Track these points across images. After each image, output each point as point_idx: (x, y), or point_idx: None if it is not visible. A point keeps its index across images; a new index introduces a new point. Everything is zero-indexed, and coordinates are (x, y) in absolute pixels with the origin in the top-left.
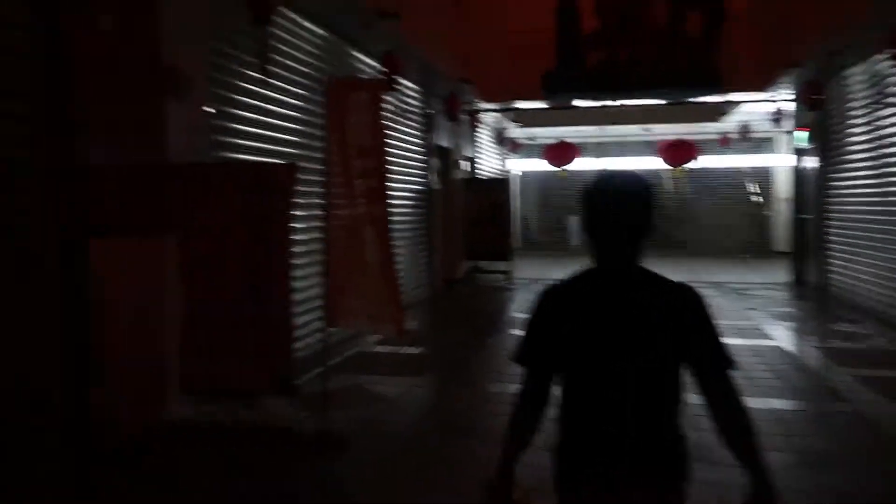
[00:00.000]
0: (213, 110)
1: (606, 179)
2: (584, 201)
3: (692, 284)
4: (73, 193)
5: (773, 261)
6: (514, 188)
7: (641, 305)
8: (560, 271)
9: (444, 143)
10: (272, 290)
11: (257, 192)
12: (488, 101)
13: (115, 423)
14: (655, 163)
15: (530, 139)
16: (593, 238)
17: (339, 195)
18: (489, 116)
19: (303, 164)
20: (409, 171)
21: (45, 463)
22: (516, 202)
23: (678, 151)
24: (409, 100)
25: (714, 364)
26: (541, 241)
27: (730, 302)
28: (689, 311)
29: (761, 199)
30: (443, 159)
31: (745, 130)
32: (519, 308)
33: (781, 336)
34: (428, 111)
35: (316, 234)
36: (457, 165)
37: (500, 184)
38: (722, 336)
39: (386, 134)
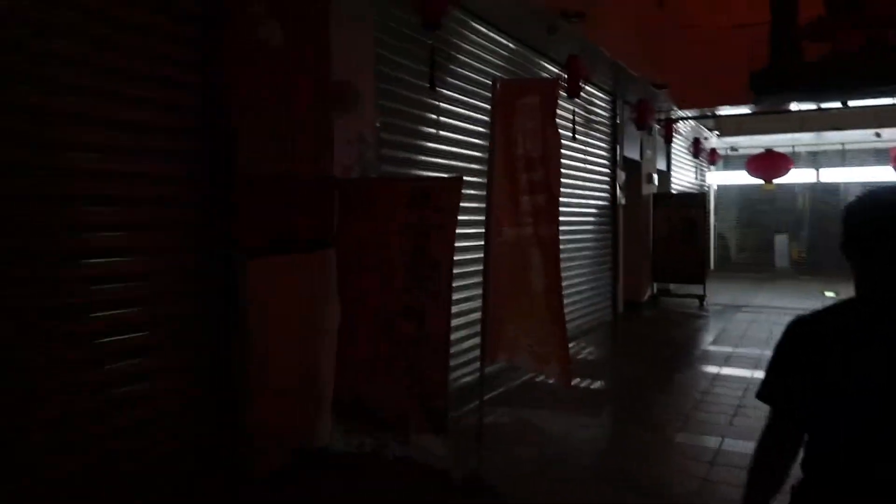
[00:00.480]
0: (379, 124)
1: (873, 197)
2: (845, 222)
3: None
4: (238, 207)
5: None
6: (710, 203)
7: None
8: (762, 296)
9: (634, 154)
10: (431, 314)
11: (420, 207)
12: (685, 107)
13: (263, 448)
14: (888, 174)
15: (731, 149)
16: (857, 262)
17: (503, 213)
18: (685, 125)
19: (471, 178)
20: (594, 185)
21: (190, 485)
22: (711, 219)
23: None
24: (596, 108)
25: None
26: (740, 261)
27: None
28: None
29: None
30: (632, 172)
31: None
32: (712, 338)
33: None
34: (616, 120)
35: (478, 255)
36: (647, 179)
37: (694, 199)
38: None
39: (558, 144)
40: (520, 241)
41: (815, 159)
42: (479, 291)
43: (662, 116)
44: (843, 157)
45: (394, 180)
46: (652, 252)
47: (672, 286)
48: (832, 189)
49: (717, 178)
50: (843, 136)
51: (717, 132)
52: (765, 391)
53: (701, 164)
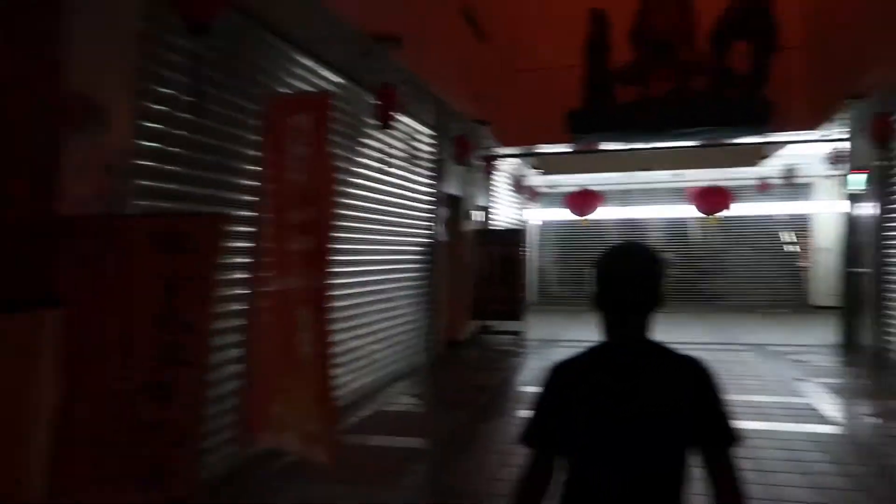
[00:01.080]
0: (131, 147)
1: (614, 253)
2: (595, 275)
3: (728, 346)
4: None
5: (812, 317)
6: (533, 239)
7: (649, 382)
8: (578, 330)
9: (455, 190)
10: (182, 391)
11: (168, 252)
12: (506, 144)
13: None
14: (685, 210)
15: (551, 187)
16: (602, 312)
17: (269, 259)
18: (507, 163)
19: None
20: (413, 221)
21: None
22: (534, 254)
23: (712, 198)
24: (417, 143)
25: (719, 440)
26: (560, 295)
27: (773, 369)
28: (696, 387)
29: (797, 249)
30: (453, 208)
31: (789, 174)
32: (525, 379)
33: (842, 418)
34: (438, 156)
35: (238, 312)
36: (468, 215)
37: (514, 235)
38: (728, 411)
39: (330, 174)
40: (287, 295)
41: (625, 197)
42: (239, 361)
43: (484, 153)
44: (648, 195)
45: (134, 217)
46: (473, 290)
47: (494, 323)
48: (637, 224)
49: (542, 215)
50: (649, 175)
51: (540, 170)
52: (527, 435)
53: (523, 201)
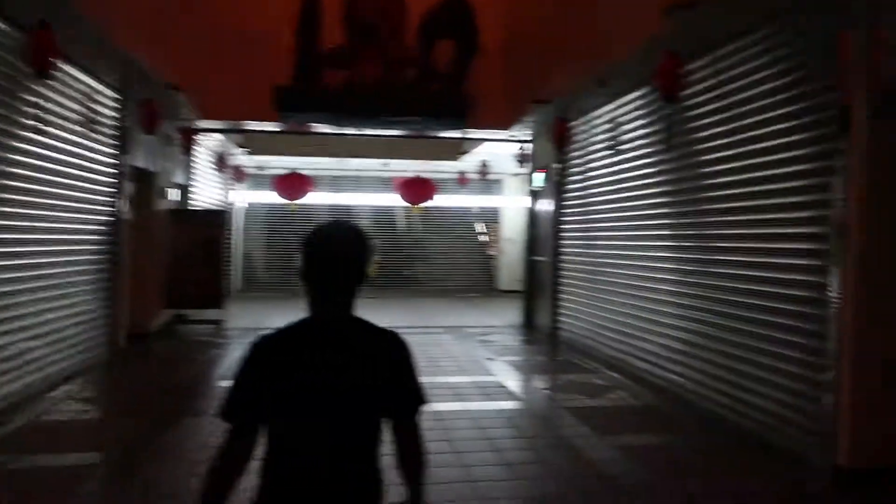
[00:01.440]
0: None
1: (322, 232)
2: (302, 252)
3: (427, 329)
4: None
5: (499, 300)
6: (238, 222)
7: (349, 355)
8: (283, 317)
9: (145, 164)
10: None
11: None
12: (207, 117)
13: None
14: (392, 199)
15: (259, 168)
16: (309, 288)
17: None
18: (209, 138)
19: None
20: (91, 196)
21: None
22: (239, 238)
23: (417, 189)
24: (97, 105)
25: (409, 406)
26: (267, 281)
27: (466, 350)
28: (394, 359)
29: (487, 239)
30: (143, 184)
31: (484, 170)
32: (224, 373)
33: (525, 394)
34: (125, 123)
35: None
36: (163, 193)
37: (216, 216)
38: (420, 381)
39: None
40: None
41: (336, 183)
42: None
43: (182, 124)
44: (358, 182)
45: None
46: (168, 274)
47: (191, 312)
48: (349, 211)
49: (246, 197)
50: (359, 163)
51: (247, 150)
52: (227, 410)
53: (227, 181)
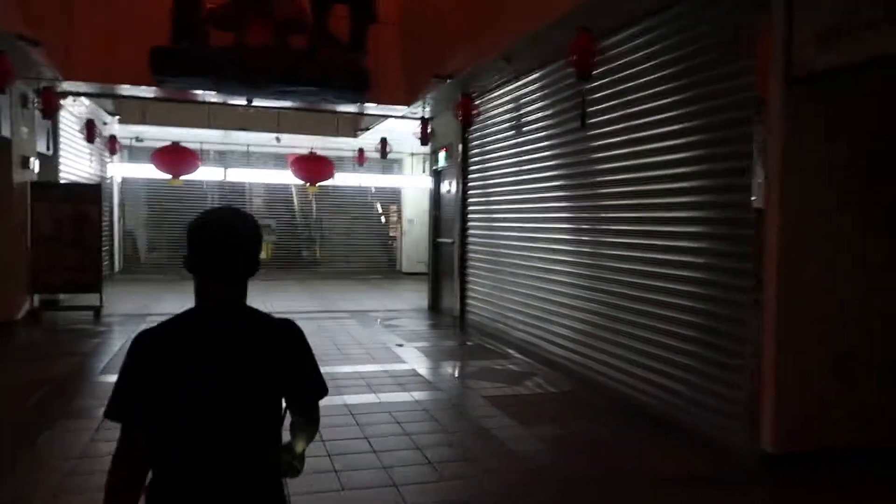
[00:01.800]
0: None
1: (209, 217)
2: (188, 239)
3: (330, 314)
4: None
5: (401, 282)
6: (115, 198)
7: (241, 346)
8: (170, 300)
9: (2, 131)
10: None
11: None
12: (69, 77)
13: None
14: (287, 177)
15: (136, 139)
16: (196, 277)
17: None
18: (79, 105)
19: None
20: None
21: None
22: (114, 216)
23: (313, 167)
24: None
25: (309, 395)
26: (150, 262)
27: (374, 335)
28: (290, 348)
29: (388, 220)
30: None
31: (383, 148)
32: (104, 364)
33: (439, 381)
34: None
35: None
36: (23, 163)
37: (88, 191)
38: (317, 368)
39: None
40: None
41: (224, 159)
42: None
43: (43, 86)
44: (249, 158)
45: None
46: (32, 255)
47: (62, 297)
48: (238, 188)
49: (122, 170)
50: (248, 137)
51: (118, 117)
52: (115, 409)
53: (101, 153)
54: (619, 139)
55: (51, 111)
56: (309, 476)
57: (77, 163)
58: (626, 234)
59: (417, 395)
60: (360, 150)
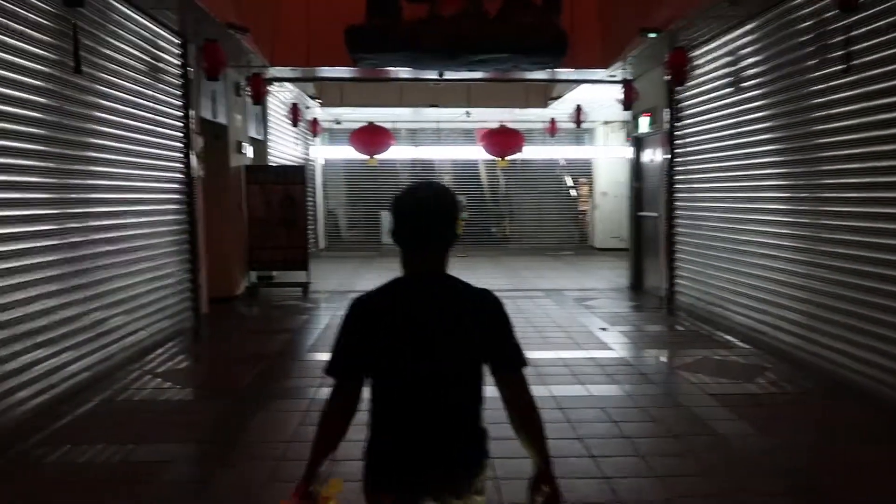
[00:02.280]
0: None
1: (413, 191)
2: (393, 212)
3: (525, 292)
4: None
5: (595, 259)
6: (318, 179)
7: (445, 312)
8: (370, 277)
9: (214, 115)
10: None
11: None
12: (275, 63)
13: None
14: (476, 152)
15: (336, 122)
16: (402, 247)
17: None
18: (284, 90)
19: None
20: (159, 151)
21: None
22: (318, 196)
23: (503, 140)
24: (157, 49)
25: (509, 364)
26: (350, 239)
27: (574, 317)
28: (488, 316)
29: (580, 193)
30: (216, 139)
31: (578, 116)
32: (312, 341)
33: (657, 374)
34: (188, 69)
35: None
36: (238, 147)
37: (294, 172)
38: (517, 337)
39: None
40: None
41: (414, 137)
42: None
43: (252, 72)
44: (439, 135)
45: None
46: (248, 235)
47: (275, 273)
48: (428, 166)
49: (324, 153)
50: (438, 113)
51: (319, 101)
52: (333, 367)
53: (305, 136)
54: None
55: (259, 97)
56: (514, 482)
57: (284, 146)
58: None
59: (630, 388)
60: (552, 121)
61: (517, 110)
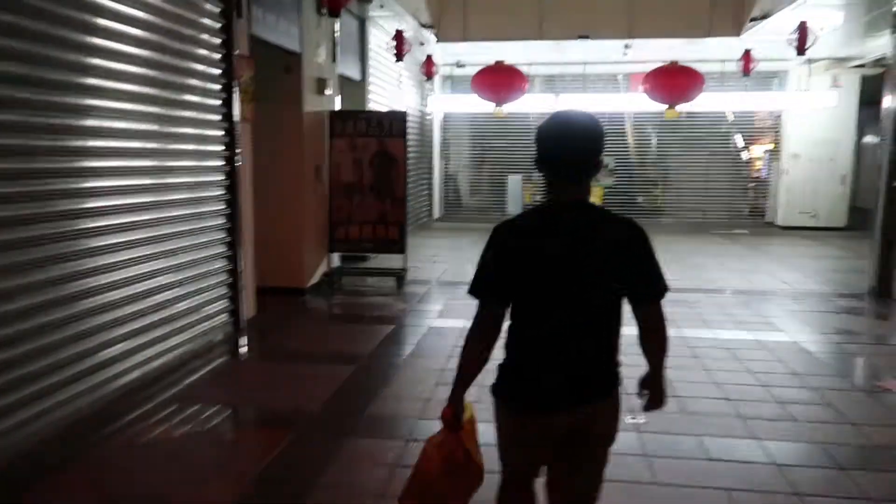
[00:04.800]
0: None
1: (556, 119)
2: (538, 139)
3: (713, 293)
4: None
5: (781, 241)
6: (435, 135)
7: (589, 240)
8: None
9: (276, 36)
10: None
11: None
12: None
13: None
14: (625, 103)
15: (456, 64)
16: (547, 174)
17: None
18: (385, 16)
19: None
20: (177, 80)
21: None
22: (435, 156)
23: (677, 82)
24: None
25: (649, 292)
26: (472, 207)
27: (825, 361)
28: (633, 244)
29: (750, 156)
30: (284, 71)
31: (801, 41)
32: (392, 380)
33: None
34: None
35: None
36: (319, 86)
37: (395, 122)
38: (659, 267)
39: None
40: None
41: (553, 84)
42: None
43: None
44: (584, 81)
45: None
46: (330, 205)
47: (370, 257)
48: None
49: (443, 104)
50: (586, 51)
51: (434, 32)
52: (476, 287)
53: (420, 82)
54: None
55: (335, 9)
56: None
57: (391, 93)
58: None
59: None
60: (747, 53)
61: (694, 43)
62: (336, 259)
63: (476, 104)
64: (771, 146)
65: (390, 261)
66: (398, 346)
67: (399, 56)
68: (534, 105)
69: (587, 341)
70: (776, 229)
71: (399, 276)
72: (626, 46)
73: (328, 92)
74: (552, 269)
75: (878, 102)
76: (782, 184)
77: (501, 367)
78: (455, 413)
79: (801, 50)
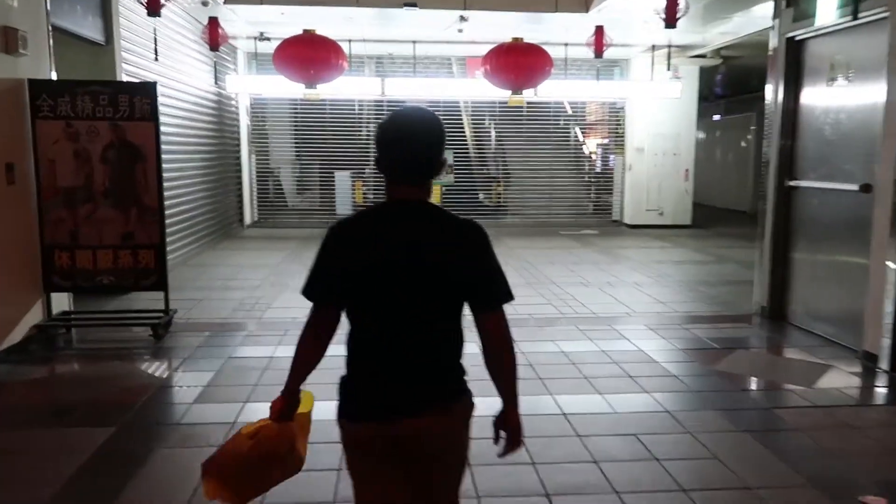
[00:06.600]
0: None
1: (395, 118)
2: (377, 139)
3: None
4: None
5: (631, 242)
6: (240, 126)
7: (427, 240)
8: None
9: None
10: None
11: None
12: None
13: None
14: (463, 90)
15: (260, 37)
16: (386, 175)
17: None
18: None
19: None
20: None
21: None
22: (241, 149)
23: (521, 62)
24: None
25: (490, 297)
26: (295, 209)
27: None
28: (472, 247)
29: (588, 151)
30: None
31: (671, 11)
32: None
33: None
34: None
35: None
36: (13, 42)
37: (134, 96)
38: (501, 271)
39: None
40: None
41: (381, 66)
42: None
43: None
44: (416, 64)
45: None
46: (42, 220)
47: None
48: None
49: (247, 85)
50: (416, 24)
51: None
52: (309, 290)
53: (214, 56)
54: None
55: None
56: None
57: (160, 67)
58: None
59: None
60: (599, 30)
61: (537, 21)
62: (66, 301)
63: (287, 86)
64: (604, 140)
65: (152, 299)
66: (107, 480)
67: (153, 10)
68: (360, 90)
69: (423, 347)
70: (624, 228)
71: (155, 324)
72: (462, 19)
73: (24, 52)
74: (386, 273)
75: (716, 96)
76: (627, 180)
77: (341, 383)
78: (287, 404)
79: (670, 21)
